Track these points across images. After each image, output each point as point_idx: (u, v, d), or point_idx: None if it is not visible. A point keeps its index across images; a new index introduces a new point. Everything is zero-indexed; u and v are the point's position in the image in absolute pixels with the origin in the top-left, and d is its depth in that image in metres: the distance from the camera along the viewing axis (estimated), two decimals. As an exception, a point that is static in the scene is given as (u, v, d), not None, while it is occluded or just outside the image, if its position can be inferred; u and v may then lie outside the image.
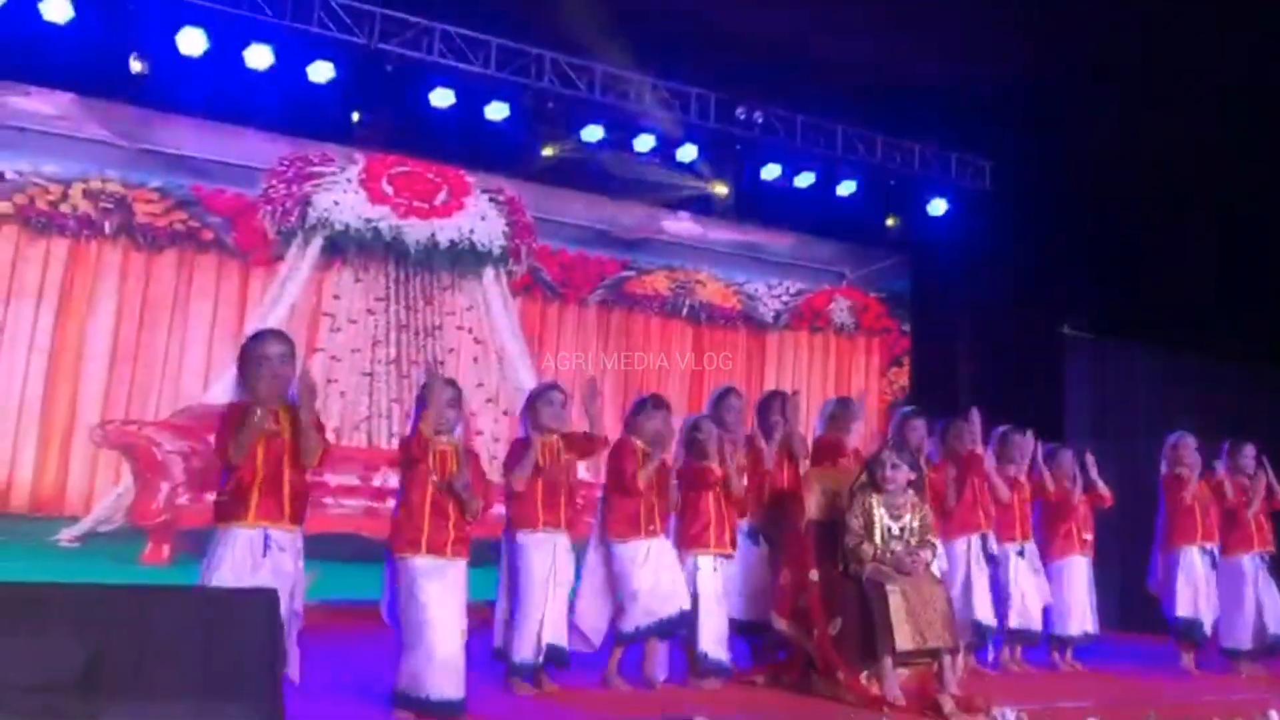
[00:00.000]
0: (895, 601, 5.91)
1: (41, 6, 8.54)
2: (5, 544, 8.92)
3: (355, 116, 9.64)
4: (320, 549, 8.80)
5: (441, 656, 5.15)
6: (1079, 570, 7.92)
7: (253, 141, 10.18)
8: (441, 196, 10.88)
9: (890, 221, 12.16)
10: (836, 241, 12.85)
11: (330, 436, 5.35)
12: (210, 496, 4.79)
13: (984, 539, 7.44)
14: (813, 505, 6.62)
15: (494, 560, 6.20)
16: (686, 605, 6.31)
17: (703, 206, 11.90)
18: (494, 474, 6.45)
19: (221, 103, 9.61)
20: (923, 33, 9.89)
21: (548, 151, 10.54)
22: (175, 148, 9.92)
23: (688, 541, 6.53)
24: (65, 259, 9.51)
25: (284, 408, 4.66)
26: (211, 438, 4.74)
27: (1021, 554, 7.63)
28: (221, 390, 9.34)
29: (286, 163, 10.30)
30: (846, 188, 11.74)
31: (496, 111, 10.17)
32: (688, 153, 10.95)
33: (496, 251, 11.14)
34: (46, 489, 9.29)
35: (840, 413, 7.48)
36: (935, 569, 6.47)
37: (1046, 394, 10.99)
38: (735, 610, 6.75)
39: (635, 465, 6.31)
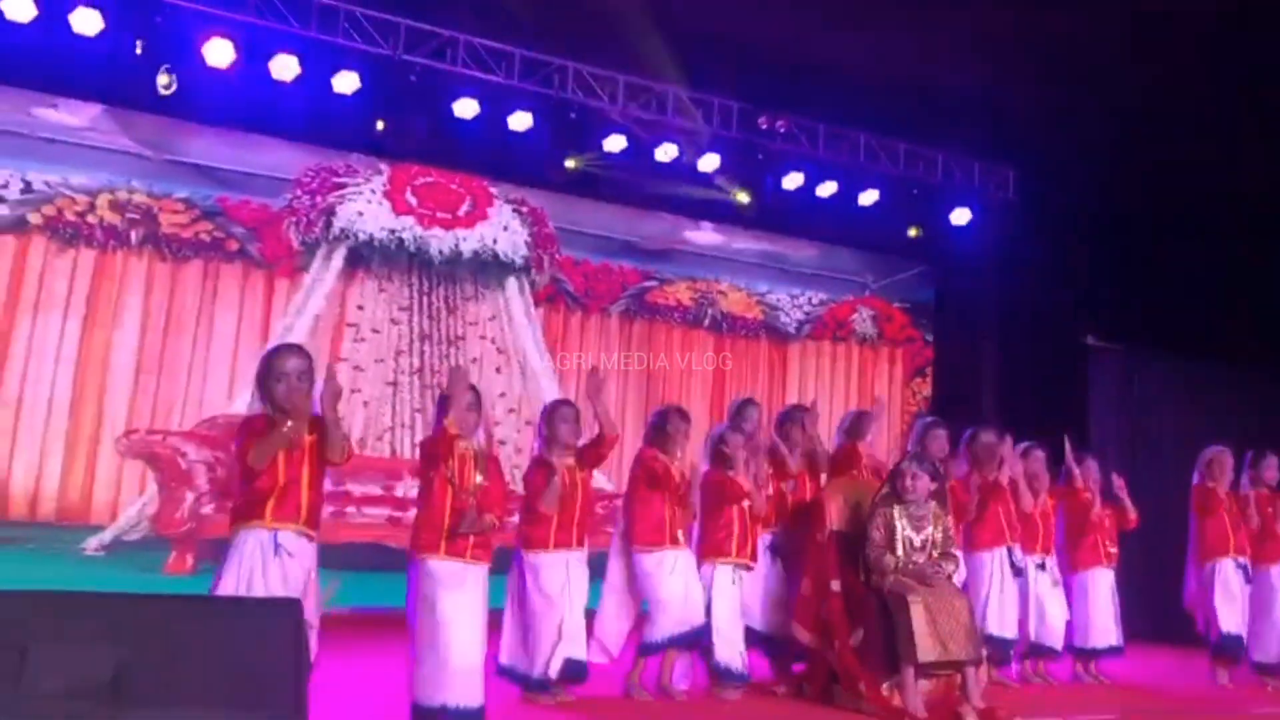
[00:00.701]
0: (917, 613, 5.90)
1: (72, 18, 8.60)
2: (33, 552, 8.99)
3: (380, 125, 9.65)
4: (343, 558, 8.91)
5: (458, 664, 5.12)
6: (1103, 582, 7.86)
7: (278, 152, 10.24)
8: (465, 207, 10.93)
9: (912, 231, 12.09)
10: (860, 251, 12.82)
11: (354, 446, 5.36)
12: (233, 504, 4.80)
13: (1009, 552, 7.38)
14: (834, 516, 6.62)
15: (507, 570, 6.18)
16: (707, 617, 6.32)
17: (725, 216, 11.88)
18: (515, 483, 6.46)
19: (247, 113, 9.67)
20: (945, 41, 9.87)
21: (570, 162, 10.53)
22: (201, 158, 9.99)
23: (709, 550, 6.53)
24: (92, 270, 9.58)
25: (302, 419, 4.68)
26: (234, 446, 4.75)
27: (1042, 567, 7.59)
28: (247, 401, 9.38)
29: (311, 173, 10.36)
30: (869, 197, 11.69)
31: (520, 122, 10.18)
32: (710, 162, 10.94)
33: (519, 262, 11.18)
34: (72, 498, 9.35)
35: (856, 425, 7.47)
36: (956, 580, 6.46)
37: (1070, 404, 10.93)
38: (755, 621, 6.75)
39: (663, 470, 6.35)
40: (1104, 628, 7.79)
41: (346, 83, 9.50)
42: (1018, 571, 7.37)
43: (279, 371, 4.67)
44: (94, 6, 8.62)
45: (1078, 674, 7.83)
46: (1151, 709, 6.86)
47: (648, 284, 11.98)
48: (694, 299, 12.18)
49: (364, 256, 10.54)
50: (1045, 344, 11.64)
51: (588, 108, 10.41)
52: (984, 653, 6.42)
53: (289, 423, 4.55)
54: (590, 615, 6.22)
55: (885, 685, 6.07)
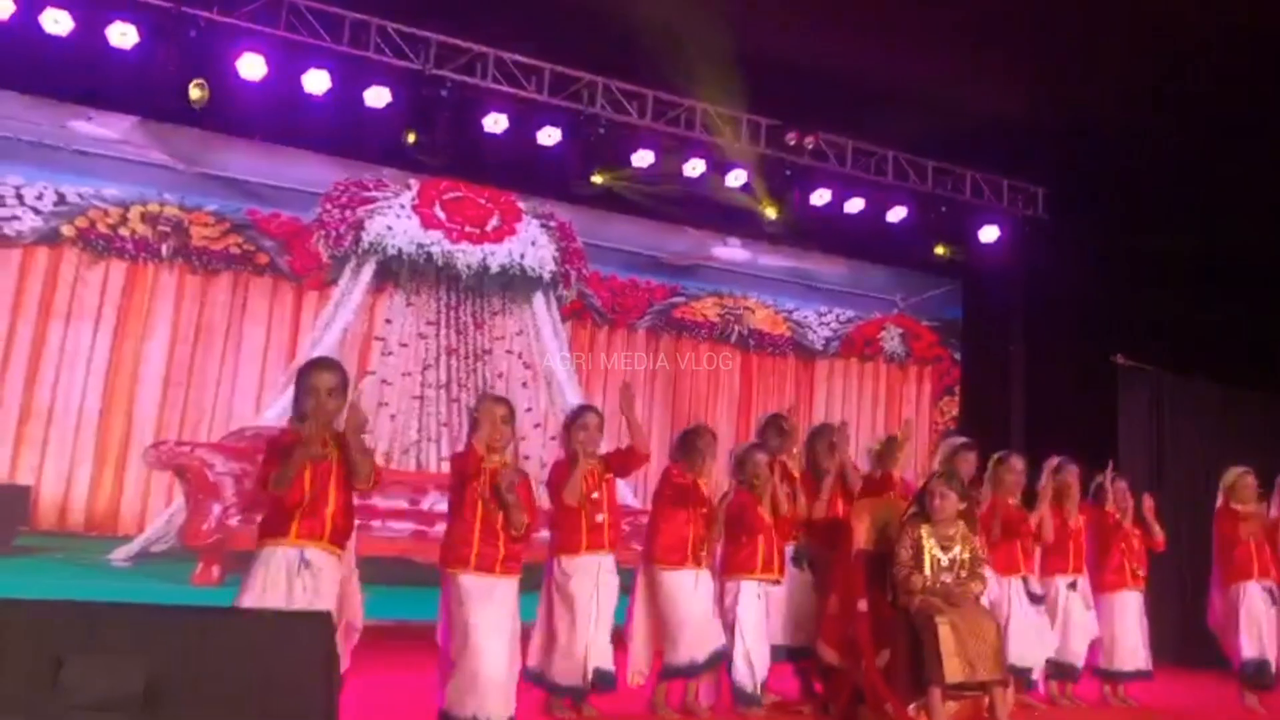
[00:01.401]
0: (945, 633, 5.86)
1: (108, 31, 8.67)
2: (61, 562, 9.04)
3: (411, 137, 9.68)
4: (368, 572, 8.87)
5: (487, 676, 5.14)
6: (1130, 605, 7.77)
7: (308, 166, 10.30)
8: (493, 222, 10.96)
9: (940, 250, 12.03)
10: (888, 269, 12.79)
11: (379, 460, 5.40)
12: (260, 518, 4.81)
13: (1025, 581, 7.32)
14: (862, 535, 6.58)
15: (539, 587, 6.19)
16: (729, 636, 6.30)
17: (752, 232, 11.87)
18: (542, 499, 6.45)
19: (279, 127, 9.73)
20: (975, 58, 9.84)
21: (598, 178, 10.54)
22: (232, 171, 10.06)
23: (734, 567, 6.51)
24: (123, 281, 9.65)
25: (331, 434, 4.69)
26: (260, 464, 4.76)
27: (1073, 586, 7.52)
28: (275, 414, 9.45)
29: (341, 187, 10.42)
30: (897, 214, 11.66)
31: (548, 136, 10.20)
32: (738, 178, 10.93)
33: (547, 277, 11.20)
34: (101, 508, 9.41)
35: (886, 451, 7.43)
36: (984, 601, 6.42)
37: (1098, 424, 10.86)
38: (780, 636, 6.72)
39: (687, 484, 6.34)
40: (1131, 650, 7.70)
41: (377, 97, 9.54)
42: (1035, 599, 7.30)
43: (310, 386, 4.68)
44: (130, 20, 8.69)
45: (1105, 697, 7.76)
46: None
47: (674, 300, 11.98)
48: (721, 315, 12.18)
49: (392, 270, 10.58)
50: (1074, 363, 11.56)
51: (616, 123, 10.43)
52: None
53: (301, 449, 4.54)
54: (617, 631, 6.21)
55: (912, 706, 6.04)
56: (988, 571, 6.54)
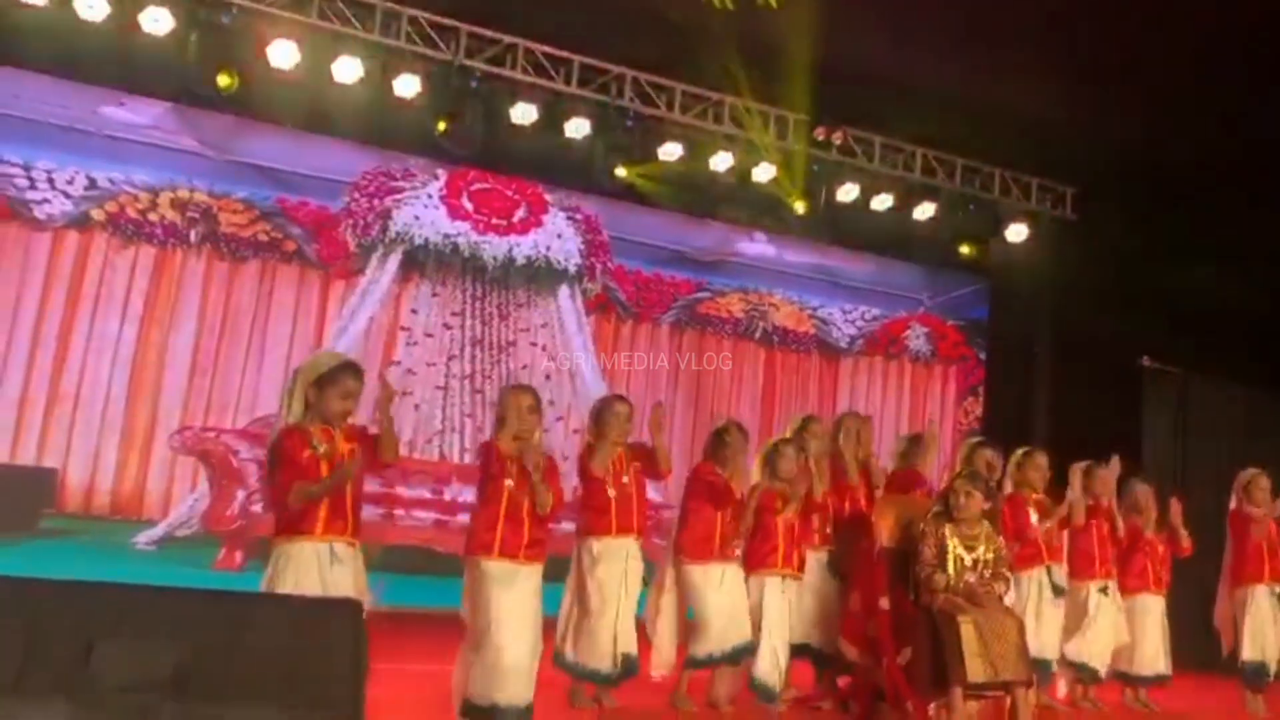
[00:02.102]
0: (967, 632, 5.83)
1: (141, 17, 8.70)
2: (86, 545, 9.10)
3: (442, 126, 9.67)
4: (391, 561, 8.96)
5: (509, 663, 5.15)
6: (1153, 609, 7.72)
7: (337, 154, 10.33)
8: (520, 213, 10.97)
9: (965, 249, 11.95)
10: (914, 267, 12.73)
11: (403, 450, 5.41)
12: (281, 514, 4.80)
13: (1049, 572, 7.29)
14: (885, 533, 6.55)
15: (562, 580, 6.20)
16: (754, 633, 6.30)
17: (779, 228, 11.84)
18: (569, 480, 6.44)
19: (308, 115, 9.74)
20: (1005, 56, 9.79)
21: (623, 170, 10.50)
22: (261, 159, 10.11)
23: (756, 562, 6.50)
24: (151, 267, 9.72)
25: (338, 429, 4.72)
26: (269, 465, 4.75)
27: (1104, 591, 7.48)
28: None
29: (369, 177, 10.45)
30: (924, 211, 11.59)
31: (576, 128, 10.19)
32: (765, 172, 10.90)
33: (572, 269, 11.21)
34: (126, 492, 9.48)
35: (911, 449, 7.40)
36: (1008, 601, 6.40)
37: (1124, 427, 10.79)
38: (802, 634, 6.70)
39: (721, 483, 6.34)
40: (1152, 655, 7.66)
41: (407, 86, 9.55)
42: (1059, 592, 7.28)
43: (345, 392, 4.69)
44: (163, 6, 8.72)
45: (1125, 700, 7.72)
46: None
47: (699, 295, 11.98)
48: (745, 311, 12.16)
49: (419, 261, 10.61)
50: (1099, 365, 11.49)
51: (644, 115, 10.41)
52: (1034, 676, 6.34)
53: (335, 464, 4.57)
54: (639, 620, 6.20)
55: (933, 706, 6.01)
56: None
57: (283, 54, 9.10)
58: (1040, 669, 6.96)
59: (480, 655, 5.19)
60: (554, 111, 10.14)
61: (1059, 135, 10.88)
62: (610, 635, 5.91)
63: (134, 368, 9.56)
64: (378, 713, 4.73)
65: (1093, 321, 11.59)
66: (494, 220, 10.86)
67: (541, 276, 11.12)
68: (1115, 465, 7.57)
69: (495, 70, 9.87)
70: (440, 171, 10.70)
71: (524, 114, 10.00)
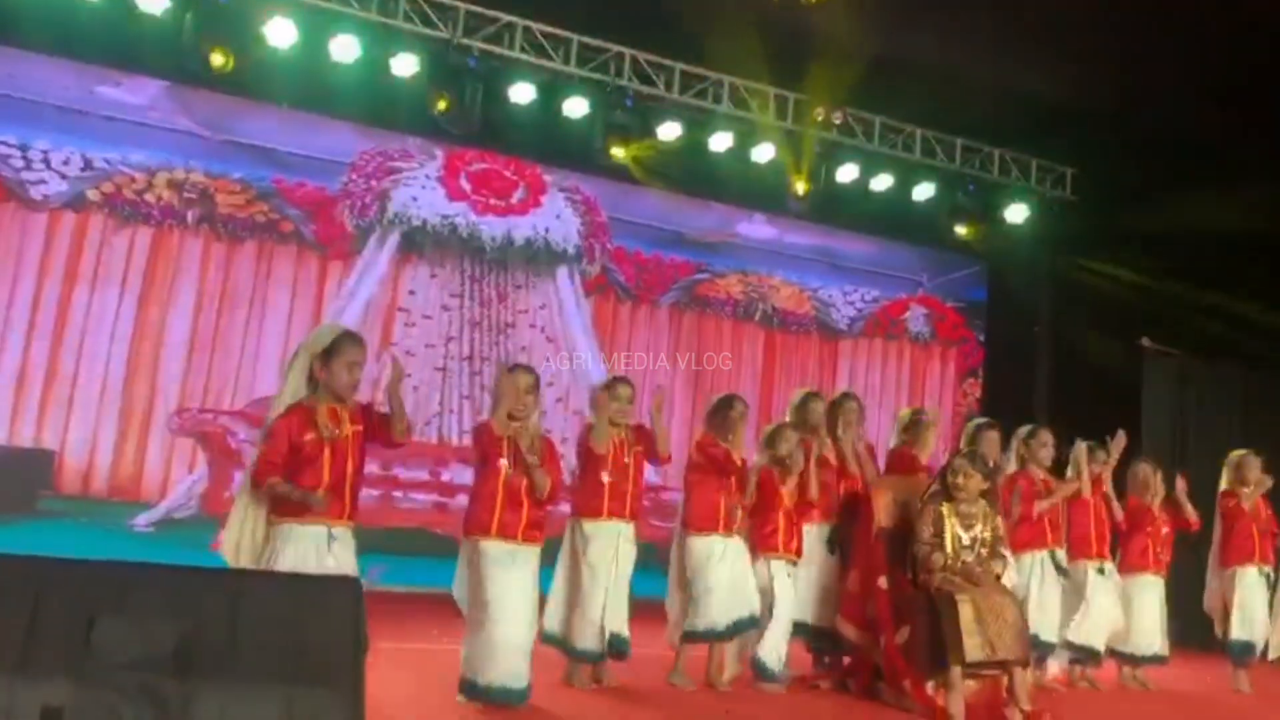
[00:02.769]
0: (965, 611, 5.82)
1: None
2: (84, 526, 9.09)
3: (443, 105, 9.62)
4: (389, 542, 8.96)
5: (505, 643, 5.16)
6: (1151, 589, 7.72)
7: (334, 134, 10.30)
8: (518, 194, 10.94)
9: (964, 230, 11.92)
10: (913, 248, 12.71)
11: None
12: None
13: (1052, 555, 7.29)
14: (883, 512, 6.55)
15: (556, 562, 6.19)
16: (756, 609, 6.29)
17: (778, 208, 11.80)
18: (567, 461, 6.44)
19: (305, 94, 9.70)
20: (1006, 36, 9.76)
21: (621, 150, 10.43)
22: (258, 139, 10.07)
23: (759, 544, 6.49)
24: (148, 248, 9.69)
25: (345, 408, 4.67)
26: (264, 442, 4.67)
27: (1102, 571, 7.47)
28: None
29: (366, 157, 10.42)
30: (924, 192, 11.57)
31: (575, 108, 10.15)
32: (764, 152, 10.86)
33: (571, 251, 11.18)
34: (124, 473, 9.46)
35: (913, 423, 7.36)
36: (1006, 581, 6.39)
37: (1123, 408, 10.77)
38: (801, 613, 6.70)
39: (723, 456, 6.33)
40: (1149, 634, 7.66)
41: (405, 65, 9.51)
42: (1062, 573, 7.28)
43: (351, 360, 4.64)
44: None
45: (1122, 679, 7.73)
46: (1194, 718, 6.77)
47: (699, 276, 11.95)
48: (745, 292, 12.14)
49: (417, 241, 10.58)
50: (1098, 346, 11.49)
51: (643, 95, 10.37)
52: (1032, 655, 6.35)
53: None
54: (635, 601, 6.19)
55: (930, 684, 6.01)
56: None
57: (280, 33, 9.06)
58: (1040, 649, 6.99)
59: (477, 636, 5.20)
60: (552, 91, 10.10)
61: (1059, 116, 10.85)
62: (599, 615, 5.89)
63: (132, 349, 9.53)
64: (377, 691, 4.75)
65: (1092, 302, 11.59)
66: (492, 201, 10.83)
67: (540, 258, 11.09)
68: (1121, 440, 7.56)
69: (493, 49, 9.83)
70: (438, 152, 10.66)
71: (522, 93, 9.96)
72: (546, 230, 11.06)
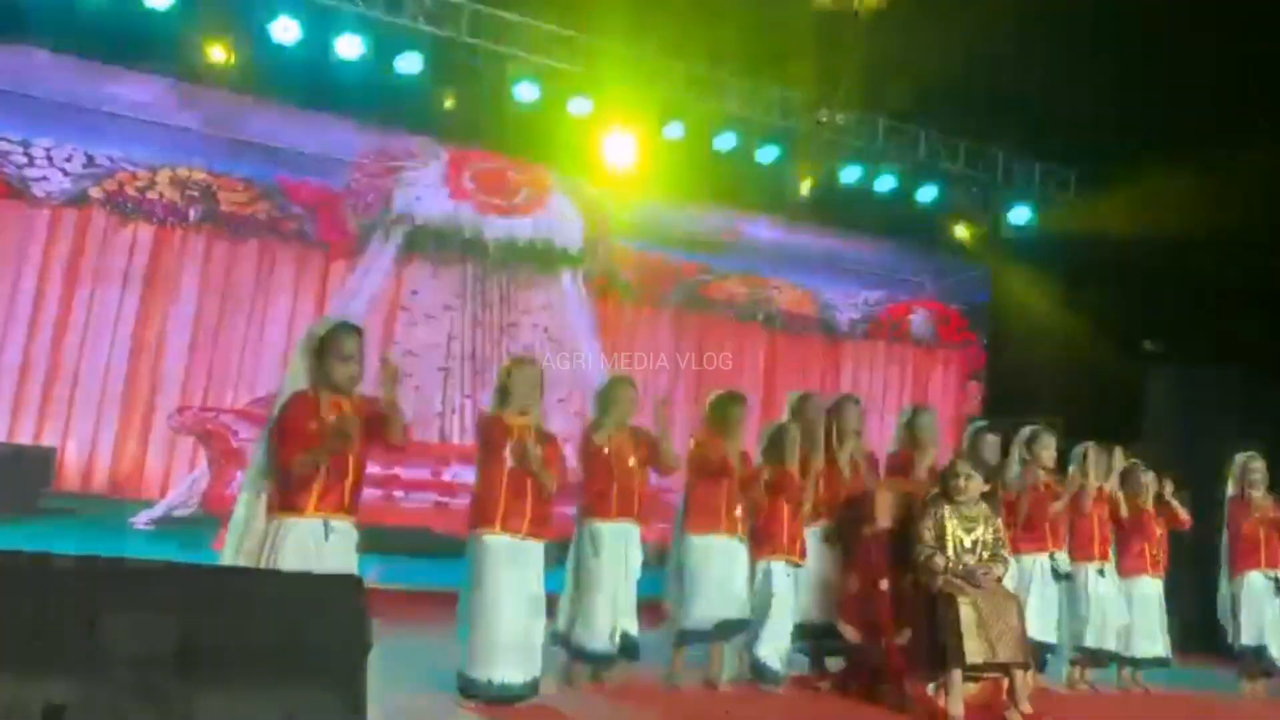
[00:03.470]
0: (966, 614, 5.82)
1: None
2: (85, 524, 9.08)
3: (450, 103, 9.62)
4: (390, 541, 8.93)
5: (508, 640, 5.15)
6: (1150, 591, 7.72)
7: (338, 132, 10.28)
8: (522, 194, 10.93)
9: (966, 232, 11.91)
10: (917, 250, 12.69)
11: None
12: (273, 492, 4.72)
13: (1052, 557, 7.28)
14: (884, 514, 6.55)
15: (563, 564, 6.17)
16: (745, 611, 6.26)
17: (782, 210, 11.78)
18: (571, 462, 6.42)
19: (310, 92, 9.69)
20: (1009, 38, 9.75)
21: (624, 153, 10.40)
22: (262, 137, 10.05)
23: (761, 545, 6.48)
24: (150, 245, 9.68)
25: (347, 399, 4.64)
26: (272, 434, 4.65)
27: (1102, 573, 7.46)
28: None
29: (370, 156, 10.41)
30: (928, 193, 11.57)
31: (579, 107, 10.14)
32: (768, 153, 10.85)
33: (574, 251, 11.16)
34: (125, 471, 9.46)
35: (915, 421, 7.34)
36: (1007, 583, 6.39)
37: (1125, 411, 10.78)
38: (800, 613, 6.68)
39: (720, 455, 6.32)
40: (1150, 637, 7.65)
41: (410, 63, 9.51)
42: (1060, 577, 7.27)
43: (345, 353, 4.60)
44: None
45: (1124, 681, 7.71)
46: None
47: (702, 277, 11.93)
48: (748, 294, 12.12)
49: (420, 241, 10.57)
50: (1102, 348, 11.47)
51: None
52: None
53: (336, 428, 4.45)
54: (642, 602, 6.18)
55: (931, 686, 6.01)
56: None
57: (285, 30, 9.06)
58: (1041, 651, 6.98)
59: (478, 632, 5.18)
60: (557, 90, 10.09)
61: (1062, 118, 10.84)
62: (609, 615, 5.88)
63: (133, 347, 9.53)
64: (378, 686, 4.73)
65: (1095, 304, 11.57)
66: (496, 201, 10.82)
67: (543, 258, 11.08)
68: (1119, 455, 7.58)
69: (499, 48, 9.82)
70: (442, 151, 10.65)
71: (527, 92, 9.95)
72: (550, 230, 11.04)
